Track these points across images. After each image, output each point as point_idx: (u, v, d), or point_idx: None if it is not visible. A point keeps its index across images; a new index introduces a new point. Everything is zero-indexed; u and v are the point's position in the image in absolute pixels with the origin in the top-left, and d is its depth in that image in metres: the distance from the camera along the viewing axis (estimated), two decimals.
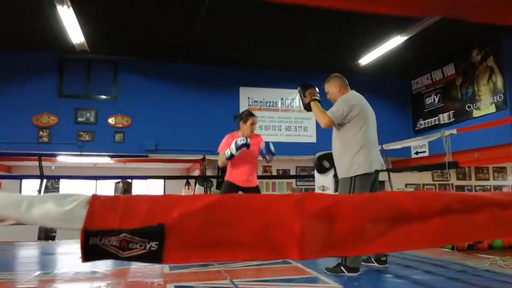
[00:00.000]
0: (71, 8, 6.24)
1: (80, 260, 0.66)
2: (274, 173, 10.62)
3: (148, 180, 8.39)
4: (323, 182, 6.84)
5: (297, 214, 0.70)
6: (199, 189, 8.10)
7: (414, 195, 0.79)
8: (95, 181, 9.44)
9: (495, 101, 7.99)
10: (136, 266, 3.87)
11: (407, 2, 0.83)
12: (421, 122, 10.07)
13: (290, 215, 0.70)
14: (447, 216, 0.75)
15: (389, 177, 6.41)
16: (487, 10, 0.89)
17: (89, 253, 0.65)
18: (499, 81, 7.94)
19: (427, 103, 9.87)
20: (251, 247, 0.68)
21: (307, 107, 3.72)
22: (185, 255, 0.67)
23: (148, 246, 0.66)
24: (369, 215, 0.72)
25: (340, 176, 3.57)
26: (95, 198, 0.67)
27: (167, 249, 0.67)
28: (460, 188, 11.38)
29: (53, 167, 8.86)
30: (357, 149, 3.48)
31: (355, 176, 3.44)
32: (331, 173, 6.73)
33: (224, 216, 0.69)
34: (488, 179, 11.91)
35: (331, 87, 3.76)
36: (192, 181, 9.03)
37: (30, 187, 10.25)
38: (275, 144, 8.84)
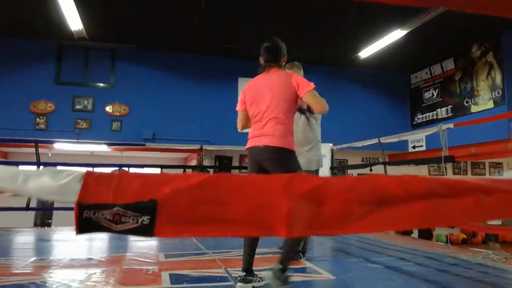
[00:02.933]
0: None
1: (74, 232, 0.68)
2: None
3: (145, 169, 8.40)
4: (320, 174, 6.87)
5: (285, 194, 0.72)
6: None
7: (400, 179, 0.81)
8: (92, 169, 9.43)
9: (493, 96, 8.01)
10: (131, 253, 3.90)
11: None
12: (419, 116, 10.09)
13: (279, 195, 0.72)
14: (431, 199, 0.77)
15: (385, 171, 6.43)
16: (486, 2, 0.90)
17: (83, 226, 0.67)
18: (498, 77, 7.95)
19: (426, 97, 9.89)
20: (240, 224, 0.70)
21: None
22: (176, 229, 0.69)
23: (140, 220, 0.68)
24: (356, 197, 0.75)
25: (306, 169, 3.50)
26: (89, 174, 0.69)
27: (159, 224, 0.69)
28: None
29: (49, 154, 8.84)
30: (319, 144, 3.58)
31: (317, 170, 3.56)
32: (328, 162, 6.76)
33: (215, 194, 0.71)
34: (484, 174, 11.97)
35: (299, 73, 3.69)
36: (189, 171, 9.06)
37: None
38: None
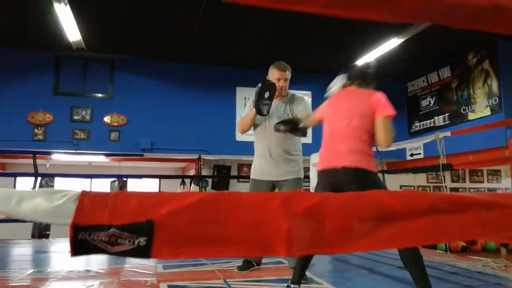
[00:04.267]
0: (68, 6, 6.23)
1: (69, 254, 0.67)
2: None
3: (143, 179, 8.37)
4: None
5: (284, 212, 0.71)
6: (194, 189, 8.11)
7: (400, 195, 0.81)
8: (90, 179, 9.41)
9: (490, 104, 8.04)
10: (129, 264, 3.87)
11: (395, 9, 0.85)
12: (417, 124, 10.11)
13: (278, 213, 0.71)
14: (432, 215, 0.77)
15: (384, 179, 6.44)
16: (473, 18, 0.91)
17: (78, 248, 0.66)
18: (494, 84, 7.99)
19: (423, 105, 9.92)
20: (239, 244, 0.70)
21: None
22: (173, 251, 0.69)
23: (136, 242, 0.67)
24: (356, 214, 0.74)
25: (290, 176, 3.44)
26: (84, 194, 0.68)
27: (156, 245, 0.68)
28: (454, 190, 11.45)
29: (47, 165, 8.83)
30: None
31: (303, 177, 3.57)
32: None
33: (213, 213, 0.70)
34: (483, 182, 11.98)
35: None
36: (187, 181, 9.05)
37: (25, 185, 10.21)
38: None
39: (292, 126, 3.09)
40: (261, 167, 3.51)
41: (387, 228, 0.74)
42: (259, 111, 3.29)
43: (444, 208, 0.78)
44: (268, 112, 3.32)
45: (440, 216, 0.77)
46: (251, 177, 3.60)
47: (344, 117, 2.57)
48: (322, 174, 2.58)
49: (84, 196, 0.68)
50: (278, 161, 3.43)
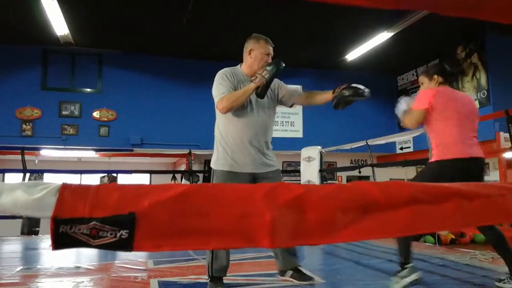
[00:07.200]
0: (55, 0, 6.15)
1: (51, 248, 0.67)
2: None
3: (134, 175, 8.34)
4: (309, 177, 6.89)
5: (268, 204, 0.71)
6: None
7: (382, 186, 0.81)
8: (79, 175, 9.35)
9: (478, 97, 8.11)
10: (120, 260, 3.86)
11: None
12: None
13: (261, 205, 0.71)
14: (414, 206, 0.78)
15: (373, 172, 6.47)
16: (458, 5, 0.91)
17: (60, 241, 0.65)
18: (482, 78, 8.06)
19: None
20: (222, 236, 0.70)
21: None
22: (156, 243, 0.68)
23: (118, 234, 0.67)
24: (338, 205, 0.75)
25: (273, 168, 3.09)
26: (65, 187, 0.67)
27: (138, 237, 0.68)
28: None
29: (36, 161, 8.73)
30: None
31: None
32: (317, 165, 6.78)
33: (196, 205, 0.70)
34: None
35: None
36: (178, 176, 9.01)
37: (13, 181, 10.11)
38: None
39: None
40: (241, 158, 2.98)
41: (370, 218, 0.75)
42: (262, 94, 2.85)
43: (425, 199, 0.79)
44: None
45: (421, 207, 0.78)
46: (222, 169, 2.97)
47: (469, 115, 2.95)
48: (458, 162, 2.80)
49: (65, 189, 0.67)
50: (259, 151, 3.02)
